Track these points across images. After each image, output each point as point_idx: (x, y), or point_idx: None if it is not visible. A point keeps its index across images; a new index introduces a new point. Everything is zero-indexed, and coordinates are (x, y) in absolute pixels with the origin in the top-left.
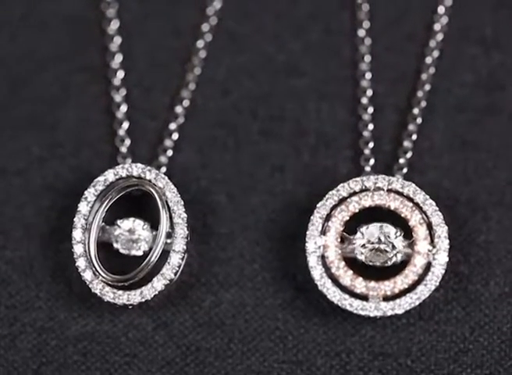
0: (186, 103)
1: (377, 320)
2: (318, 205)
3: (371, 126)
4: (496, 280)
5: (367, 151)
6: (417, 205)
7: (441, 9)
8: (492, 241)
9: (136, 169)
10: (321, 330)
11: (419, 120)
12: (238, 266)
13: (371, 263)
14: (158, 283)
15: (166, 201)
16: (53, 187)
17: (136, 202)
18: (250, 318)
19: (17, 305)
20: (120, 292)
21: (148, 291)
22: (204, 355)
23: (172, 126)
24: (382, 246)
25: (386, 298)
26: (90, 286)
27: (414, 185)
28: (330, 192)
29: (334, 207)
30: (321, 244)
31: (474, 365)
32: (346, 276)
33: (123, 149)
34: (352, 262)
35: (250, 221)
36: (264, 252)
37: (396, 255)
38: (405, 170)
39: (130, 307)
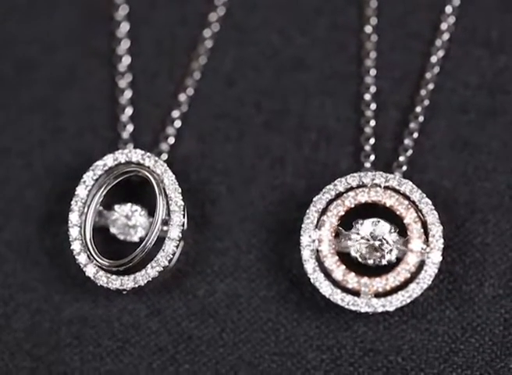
0: (190, 92)
1: (369, 317)
2: (314, 199)
3: (372, 123)
4: (490, 281)
5: (367, 148)
6: (413, 203)
7: (448, 9)
8: (489, 243)
9: (136, 155)
10: (314, 323)
11: (421, 119)
12: (234, 256)
13: (364, 261)
14: (152, 270)
15: (164, 189)
16: (54, 170)
17: (135, 189)
18: (243, 309)
19: (13, 285)
20: (113, 277)
21: (141, 277)
22: (195, 344)
23: (175, 113)
24: (377, 242)
25: (378, 295)
26: (84, 269)
27: (411, 183)
28: (327, 186)
29: (330, 201)
30: (315, 237)
31: (465, 365)
32: (339, 271)
33: (125, 135)
34: (347, 258)
35: (248, 212)
36: (261, 244)
37: (390, 252)
38: (405, 168)
39: (124, 292)
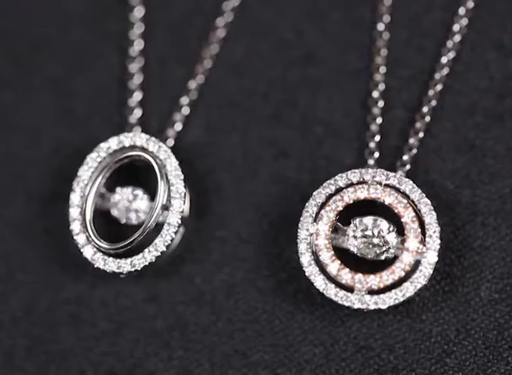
0: (200, 79)
1: (364, 314)
2: (314, 193)
3: (379, 120)
4: (486, 285)
5: (372, 145)
6: (412, 202)
7: (462, 11)
8: (488, 246)
9: (140, 139)
10: (309, 317)
11: (428, 119)
12: (234, 246)
13: (362, 256)
14: (149, 255)
15: (166, 174)
16: (60, 152)
17: (139, 173)
18: (239, 298)
19: (12, 263)
20: (111, 259)
21: (138, 261)
22: (190, 330)
23: (184, 100)
24: (375, 240)
25: (372, 292)
26: (81, 250)
27: (411, 182)
28: (327, 181)
29: (330, 196)
30: (312, 231)
31: (457, 368)
32: (334, 266)
33: (133, 119)
34: (344, 254)
35: (251, 203)
36: (261, 235)
37: (387, 250)
38: (408, 167)
39: (122, 276)
